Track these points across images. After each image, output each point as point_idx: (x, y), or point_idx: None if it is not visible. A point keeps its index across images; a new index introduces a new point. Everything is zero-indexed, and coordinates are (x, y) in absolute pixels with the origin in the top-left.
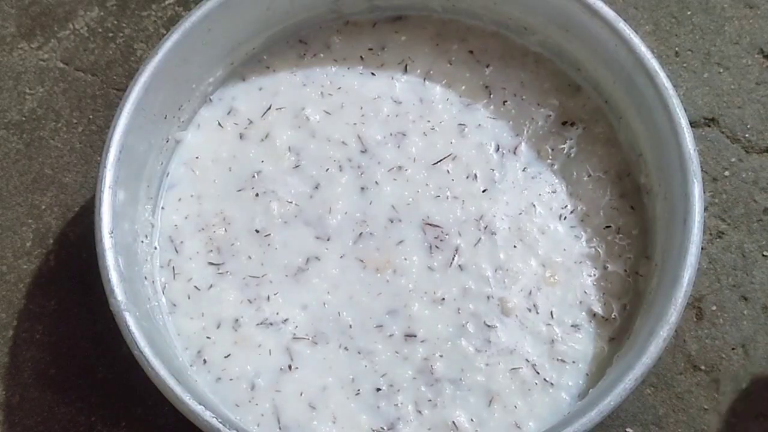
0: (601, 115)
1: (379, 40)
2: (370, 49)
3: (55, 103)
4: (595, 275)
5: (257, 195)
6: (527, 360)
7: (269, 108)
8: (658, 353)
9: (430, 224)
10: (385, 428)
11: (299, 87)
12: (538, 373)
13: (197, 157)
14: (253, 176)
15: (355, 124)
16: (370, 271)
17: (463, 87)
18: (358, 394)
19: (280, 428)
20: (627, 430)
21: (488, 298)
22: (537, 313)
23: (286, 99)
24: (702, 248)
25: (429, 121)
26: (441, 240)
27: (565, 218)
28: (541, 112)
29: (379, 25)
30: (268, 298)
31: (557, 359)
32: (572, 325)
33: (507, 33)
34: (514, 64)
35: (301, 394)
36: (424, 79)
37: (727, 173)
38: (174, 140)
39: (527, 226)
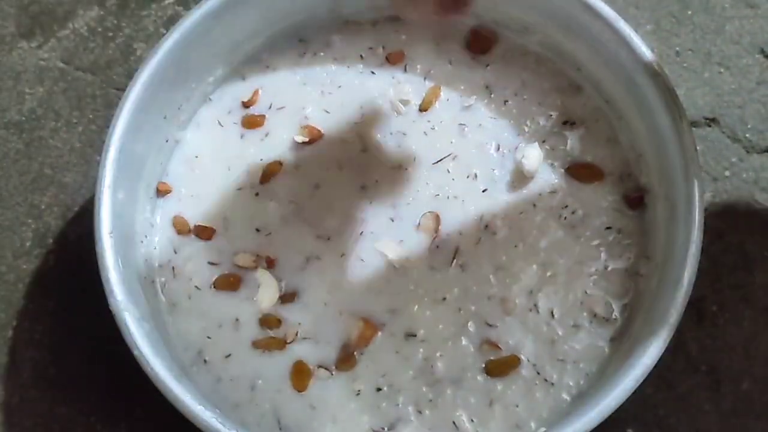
0: (602, 114)
1: (379, 39)
2: (371, 48)
3: (54, 102)
4: (595, 275)
5: (257, 194)
6: (528, 360)
7: (269, 107)
8: (658, 354)
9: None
10: (385, 428)
11: (299, 86)
12: (538, 373)
13: (197, 157)
14: (254, 175)
15: (355, 123)
16: (371, 270)
17: (463, 86)
18: (358, 394)
19: (280, 429)
20: (628, 430)
21: (489, 297)
22: (538, 312)
23: (286, 98)
24: (702, 248)
25: (429, 121)
26: (441, 239)
27: (565, 218)
28: (542, 112)
29: (379, 24)
30: None
31: (558, 359)
32: (573, 325)
33: (507, 32)
34: (514, 63)
35: (301, 395)
36: (425, 79)
37: (727, 173)
38: (174, 140)
39: (528, 226)
